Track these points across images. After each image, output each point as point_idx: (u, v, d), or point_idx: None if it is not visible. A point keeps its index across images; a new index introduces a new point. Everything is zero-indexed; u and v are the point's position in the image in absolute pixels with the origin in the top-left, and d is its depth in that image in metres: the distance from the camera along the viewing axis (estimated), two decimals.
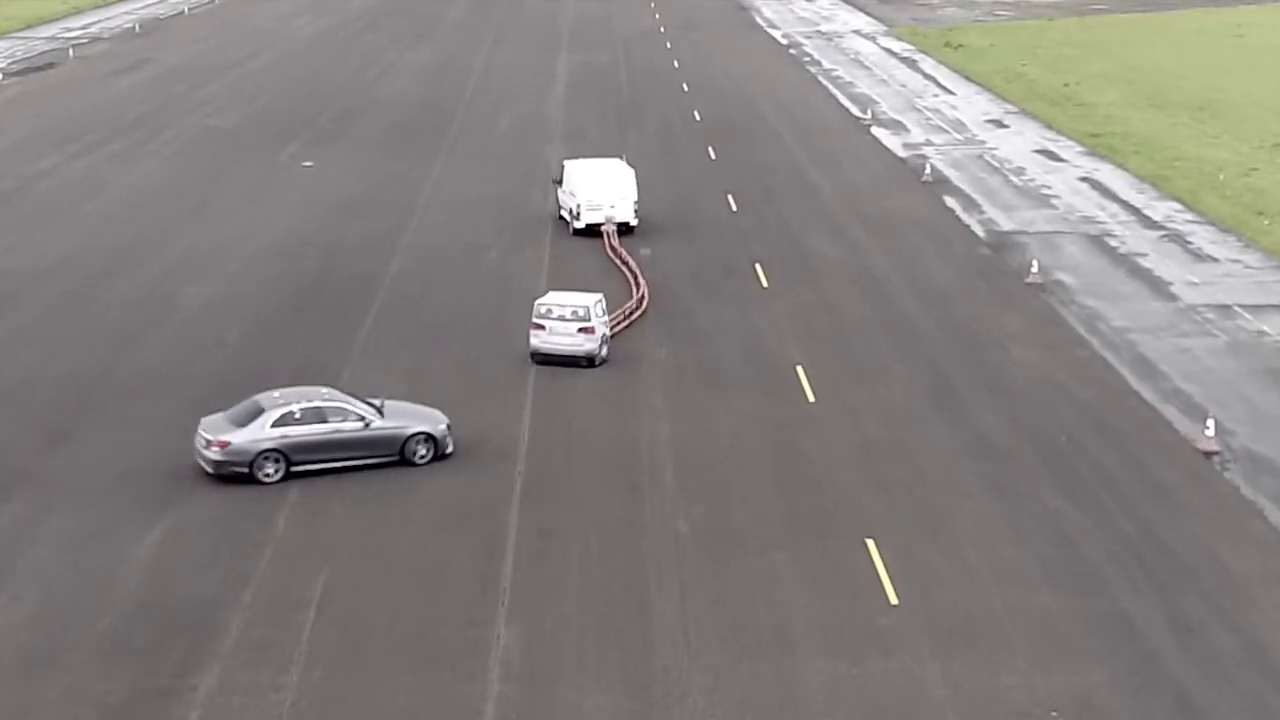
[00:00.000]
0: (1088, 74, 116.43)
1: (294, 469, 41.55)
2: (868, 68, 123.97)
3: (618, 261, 62.80)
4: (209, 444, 41.39)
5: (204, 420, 42.41)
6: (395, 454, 42.44)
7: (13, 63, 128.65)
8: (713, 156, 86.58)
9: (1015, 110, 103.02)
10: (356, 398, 43.52)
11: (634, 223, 67.43)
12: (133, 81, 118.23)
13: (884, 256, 64.79)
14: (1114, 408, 47.66)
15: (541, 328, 49.94)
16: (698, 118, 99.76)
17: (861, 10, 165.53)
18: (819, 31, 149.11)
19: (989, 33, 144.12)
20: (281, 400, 42.36)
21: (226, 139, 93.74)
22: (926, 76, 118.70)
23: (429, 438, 42.71)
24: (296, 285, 60.69)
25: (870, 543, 38.29)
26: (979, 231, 69.38)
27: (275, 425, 41.52)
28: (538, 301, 50.85)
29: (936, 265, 63.46)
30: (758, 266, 62.85)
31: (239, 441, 41.25)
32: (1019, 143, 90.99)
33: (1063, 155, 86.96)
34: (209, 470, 41.56)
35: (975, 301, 58.19)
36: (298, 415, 41.77)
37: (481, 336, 53.72)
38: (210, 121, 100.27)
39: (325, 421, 42.02)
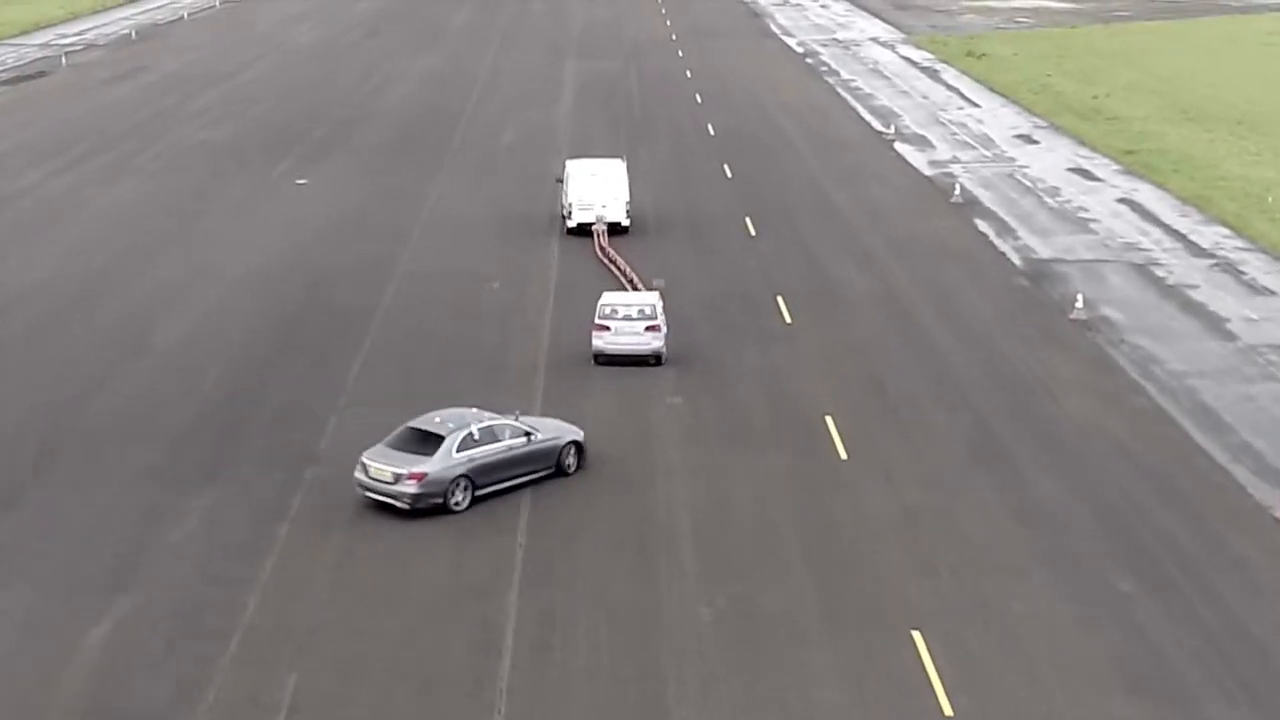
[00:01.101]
0: (1116, 85, 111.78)
1: (477, 493, 39.50)
2: (888, 78, 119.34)
3: (606, 262, 61.77)
4: (399, 478, 38.53)
5: (368, 454, 39.45)
6: (552, 466, 41.04)
7: (3, 70, 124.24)
8: (729, 174, 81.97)
9: (1044, 124, 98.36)
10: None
11: (626, 223, 66.94)
12: (125, 91, 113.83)
13: (915, 287, 60.14)
14: (1179, 467, 43.02)
15: (606, 328, 49.34)
16: (712, 131, 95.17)
17: (878, 17, 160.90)
18: (835, 39, 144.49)
19: (1011, 41, 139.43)
20: (454, 423, 39.92)
21: (218, 153, 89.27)
22: (949, 88, 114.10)
23: (579, 447, 41.69)
24: (281, 318, 56.13)
25: (917, 635, 33.73)
26: (1015, 259, 64.71)
27: (460, 449, 39.18)
28: (601, 303, 49.98)
29: (972, 298, 58.80)
30: (780, 299, 58.25)
31: (434, 471, 38.61)
32: (1051, 160, 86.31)
33: (1098, 174, 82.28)
34: (402, 506, 38.66)
35: (1017, 340, 53.51)
36: (477, 436, 39.63)
37: (481, 383, 49.11)
38: (202, 134, 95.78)
39: (498, 440, 40.02)
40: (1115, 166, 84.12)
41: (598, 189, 67.08)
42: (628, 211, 67.41)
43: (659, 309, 49.81)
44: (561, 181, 69.78)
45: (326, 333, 54.60)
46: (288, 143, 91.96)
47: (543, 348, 52.54)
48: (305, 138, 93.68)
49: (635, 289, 56.55)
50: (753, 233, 69.20)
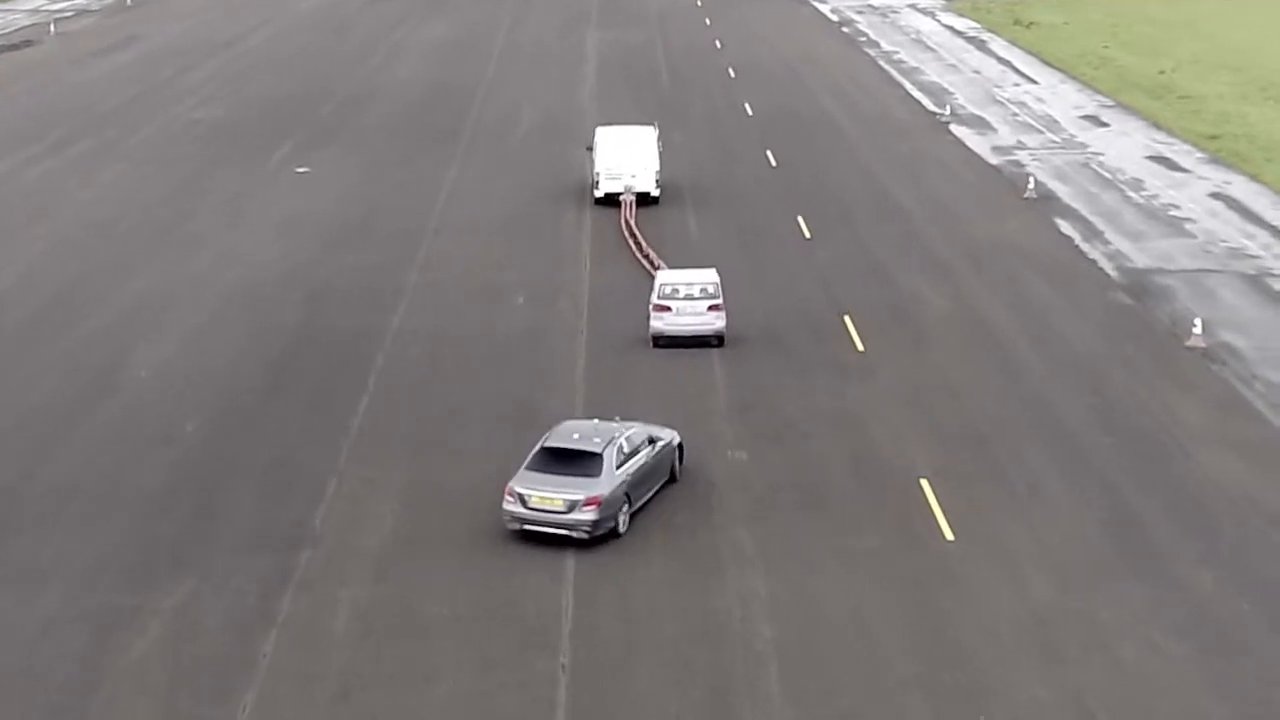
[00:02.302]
0: (1182, 58, 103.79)
1: (633, 510, 35.83)
2: (932, 49, 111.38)
3: (627, 235, 59.32)
4: (574, 505, 34.37)
5: (520, 484, 35.02)
6: (668, 474, 37.73)
7: None
8: (773, 163, 74.14)
9: (1110, 104, 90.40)
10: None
11: (656, 193, 64.79)
12: (114, 64, 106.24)
13: (1000, 305, 52.41)
14: None
15: (667, 309, 47.24)
16: (749, 111, 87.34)
17: None
18: (871, 6, 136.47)
19: (1058, 8, 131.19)
20: (599, 436, 36.02)
21: (211, 136, 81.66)
22: (1001, 61, 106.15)
23: (681, 449, 38.56)
24: (273, 348, 48.52)
25: None
26: (1108, 269, 56.88)
27: (619, 466, 35.46)
28: (660, 282, 47.74)
29: (1068, 319, 51.06)
30: (848, 320, 50.54)
31: (607, 492, 34.73)
32: (1126, 146, 78.36)
33: (1182, 163, 74.35)
34: (580, 536, 34.54)
35: (1130, 376, 45.79)
36: (626, 450, 35.96)
37: (505, 430, 41.59)
38: (196, 114, 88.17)
39: (639, 451, 36.42)
40: (1200, 154, 76.18)
41: (627, 157, 64.69)
42: (658, 181, 64.94)
43: (720, 287, 47.48)
44: (591, 150, 66.57)
45: (326, 364, 47.01)
46: (288, 124, 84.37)
47: (577, 386, 44.95)
48: (307, 118, 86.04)
49: (654, 269, 53.34)
50: (807, 235, 61.49)
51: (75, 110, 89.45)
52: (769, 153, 76.17)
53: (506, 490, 35.00)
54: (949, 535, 35.66)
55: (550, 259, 58.36)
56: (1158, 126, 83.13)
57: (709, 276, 47.93)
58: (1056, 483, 38.50)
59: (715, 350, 47.68)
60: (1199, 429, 41.96)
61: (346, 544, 35.31)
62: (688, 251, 57.88)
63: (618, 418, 38.58)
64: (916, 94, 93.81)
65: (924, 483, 38.29)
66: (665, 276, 48.24)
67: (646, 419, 39.69)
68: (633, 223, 60.57)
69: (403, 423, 42.53)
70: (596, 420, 37.77)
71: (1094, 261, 57.93)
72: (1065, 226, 62.95)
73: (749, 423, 42.39)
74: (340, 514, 36.80)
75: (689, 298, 47.25)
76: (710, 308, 47.26)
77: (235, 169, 73.78)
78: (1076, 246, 60.02)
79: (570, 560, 34.59)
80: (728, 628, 31.94)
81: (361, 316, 51.39)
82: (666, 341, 47.23)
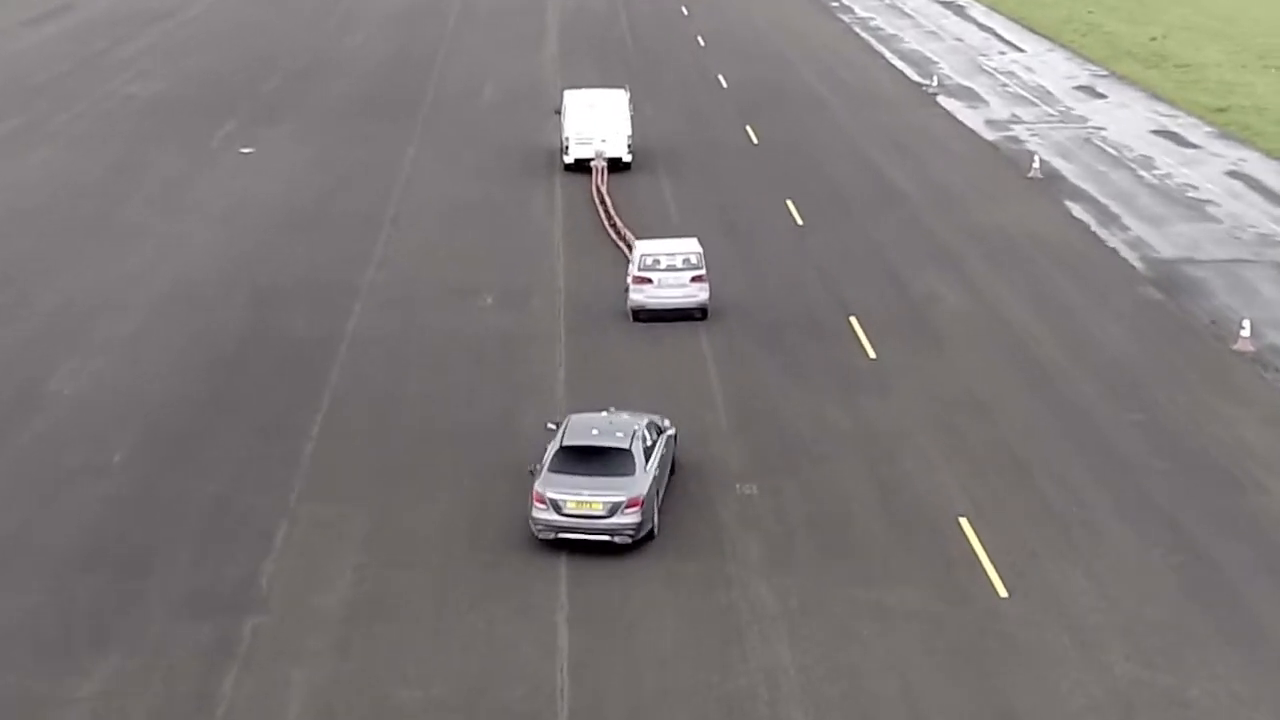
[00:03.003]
0: (1171, 25, 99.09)
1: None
2: (910, 15, 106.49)
3: (598, 203, 56.67)
4: (617, 508, 31.27)
5: (551, 488, 31.61)
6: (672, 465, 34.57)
7: None
8: (755, 140, 68.95)
9: (1104, 73, 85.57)
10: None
11: (628, 159, 62.33)
12: (45, 35, 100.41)
13: (1020, 302, 47.44)
14: None
15: (648, 281, 44.73)
16: (724, 83, 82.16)
17: None
18: None
19: None
20: (620, 431, 32.79)
21: (148, 113, 76.08)
22: (982, 28, 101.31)
23: (674, 437, 35.32)
24: (215, 359, 43.19)
25: None
26: (1132, 259, 51.96)
27: (648, 461, 32.44)
28: (640, 252, 45.33)
29: (1096, 318, 46.12)
30: (854, 321, 45.47)
31: (645, 492, 31.68)
32: (1129, 120, 73.46)
33: (1191, 138, 69.51)
34: (622, 541, 31.48)
35: (1176, 387, 40.87)
36: (649, 442, 32.95)
37: (480, 452, 36.60)
38: (132, 88, 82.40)
39: (654, 444, 33.29)
40: (1207, 128, 71.36)
41: (597, 122, 62.15)
42: (629, 146, 62.47)
43: (703, 258, 45.21)
44: (559, 113, 63.94)
45: (274, 379, 41.72)
46: (231, 99, 78.79)
47: (557, 400, 39.83)
48: (252, 93, 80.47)
49: (624, 243, 51.00)
50: (799, 221, 56.35)
51: (2, 84, 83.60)
52: (749, 129, 71.02)
53: (535, 497, 31.63)
54: (1001, 590, 30.63)
55: (520, 249, 53.20)
56: (1158, 98, 78.30)
57: (691, 246, 45.57)
58: (1114, 521, 33.51)
59: (711, 358, 42.60)
60: (1262, 451, 37.06)
61: (300, 607, 30.16)
62: None
63: (611, 408, 35.32)
64: (898, 63, 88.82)
65: (963, 522, 33.31)
66: (645, 247, 45.78)
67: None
68: (604, 190, 57.62)
69: (362, 448, 37.33)
70: (605, 412, 34.43)
71: (1114, 250, 52.98)
72: (1077, 210, 57.99)
73: (754, 445, 37.31)
74: (292, 569, 31.61)
75: (670, 269, 44.83)
76: (693, 279, 44.80)
77: (174, 150, 68.31)
78: (1093, 233, 55.07)
79: (563, 629, 29.50)
80: (753, 714, 26.83)
81: (313, 320, 46.12)
82: (647, 315, 44.78)
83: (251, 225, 56.27)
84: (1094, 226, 55.82)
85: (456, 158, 66.43)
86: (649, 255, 45.16)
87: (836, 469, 36.05)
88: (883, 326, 45.23)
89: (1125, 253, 52.65)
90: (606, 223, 54.55)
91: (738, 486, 35.18)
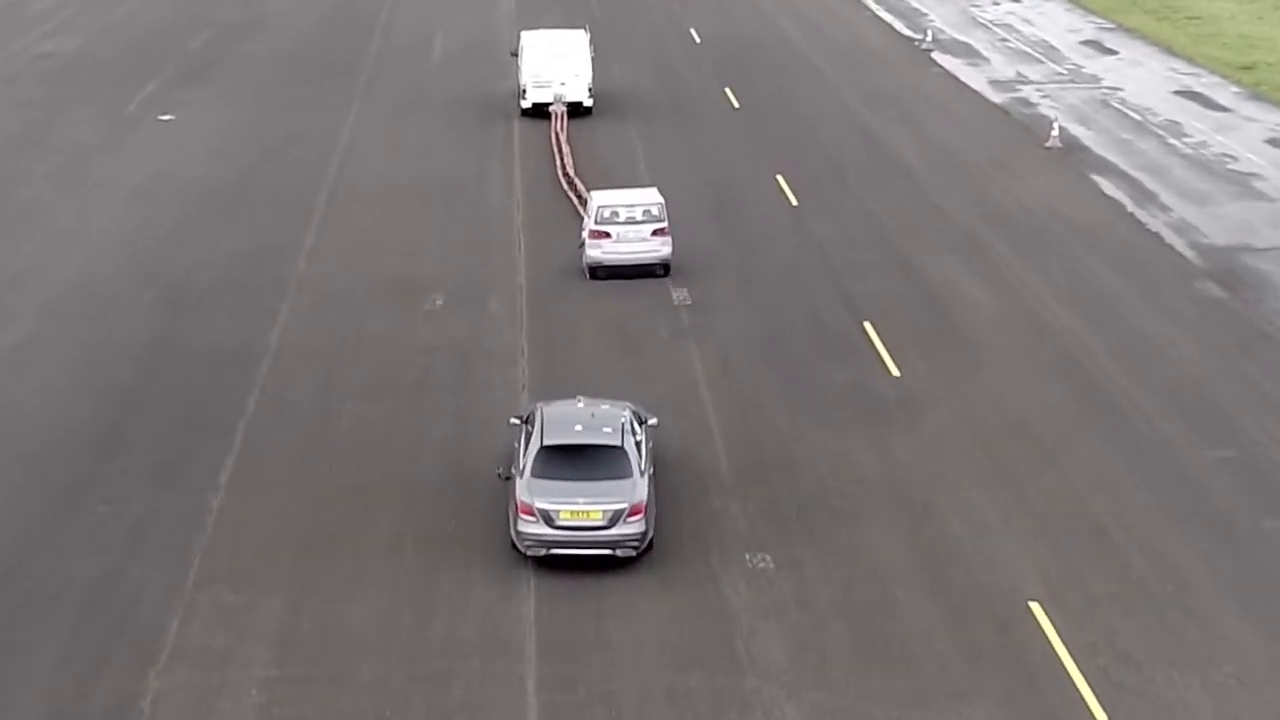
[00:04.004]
0: None
1: None
2: None
3: (554, 149, 53.38)
4: (618, 517, 27.05)
5: (539, 497, 27.13)
6: None
7: None
8: (736, 104, 61.83)
9: (1110, 25, 78.71)
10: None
11: (588, 103, 59.37)
12: None
13: (1060, 301, 40.56)
14: None
15: (606, 235, 41.56)
16: (697, 38, 74.92)
17: None
18: None
19: None
20: (608, 425, 28.49)
21: (61, 75, 68.58)
22: None
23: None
24: (110, 383, 36.00)
25: None
26: (1180, 247, 45.13)
27: (641, 458, 28.22)
28: (597, 204, 41.87)
29: (1154, 323, 39.32)
30: (870, 328, 38.48)
31: (645, 496, 27.54)
32: (1146, 79, 66.58)
33: (1219, 100, 62.69)
34: (625, 554, 27.30)
35: (1268, 415, 34.04)
36: (638, 435, 28.88)
37: (423, 522, 29.57)
38: (44, 46, 74.69)
39: (640, 437, 28.99)
40: (1235, 88, 64.57)
41: (556, 64, 59.29)
42: (590, 90, 59.44)
43: (665, 209, 41.97)
44: (516, 55, 60.71)
45: (180, 410, 34.55)
46: (155, 58, 71.40)
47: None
48: (177, 51, 73.03)
49: (578, 195, 47.70)
50: (793, 201, 49.31)
51: None
52: (728, 90, 63.88)
53: (521, 508, 27.09)
54: (1100, 715, 23.67)
55: (475, 235, 46.24)
56: (1173, 53, 71.44)
57: (652, 196, 42.48)
58: (1225, 605, 26.68)
59: (704, 380, 35.62)
60: None
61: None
62: None
63: (580, 399, 30.05)
64: (886, 15, 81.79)
65: (1035, 608, 26.38)
66: (601, 198, 42.43)
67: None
68: (562, 137, 54.30)
69: (281, 505, 30.25)
70: (579, 401, 29.80)
71: (1158, 236, 46.12)
72: (1107, 186, 51.09)
73: (763, 498, 30.35)
74: (183, 688, 24.52)
75: (630, 221, 41.74)
76: (655, 232, 41.77)
77: (86, 116, 60.96)
78: (1130, 214, 48.20)
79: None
80: None
81: (231, 328, 38.97)
82: (605, 273, 41.64)
83: (166, 207, 49.02)
84: (1130, 206, 48.93)
85: (403, 124, 59.30)
86: (606, 207, 41.66)
87: (868, 532, 29.09)
88: (903, 333, 38.29)
89: (1170, 238, 45.80)
90: (560, 173, 50.77)
91: (747, 558, 28.24)
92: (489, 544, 28.31)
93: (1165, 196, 49.87)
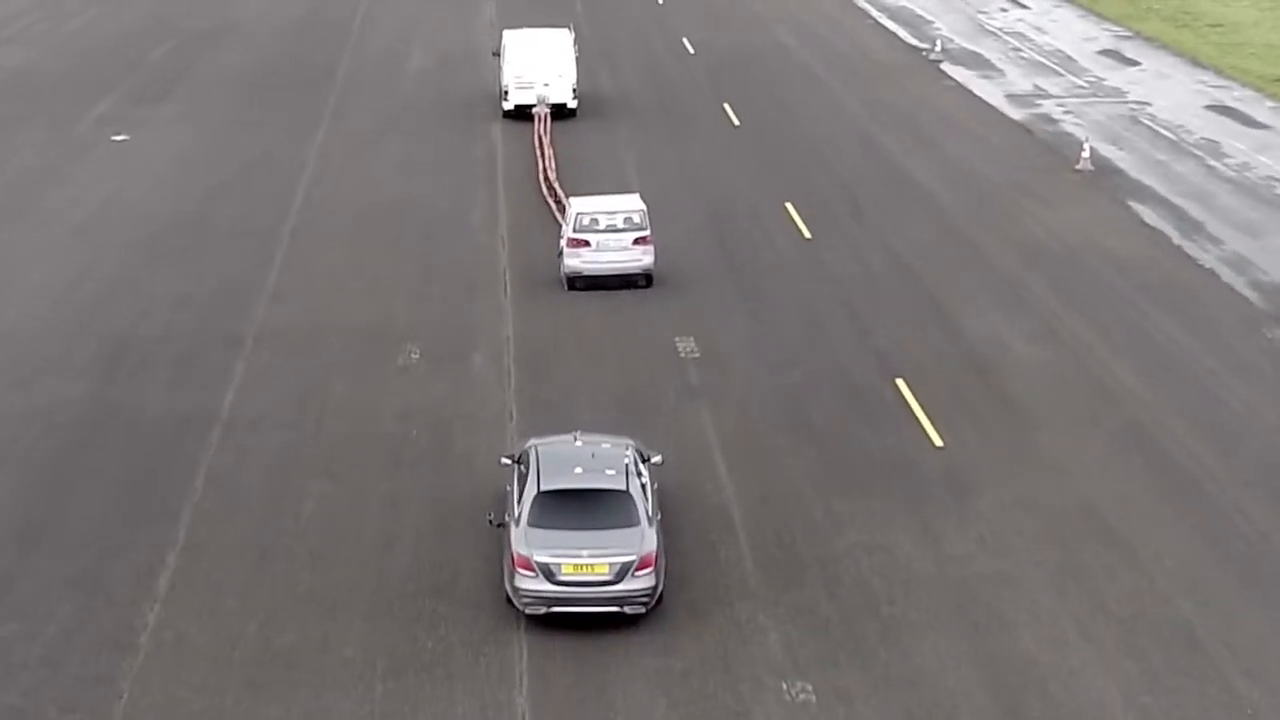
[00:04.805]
0: None
1: None
2: None
3: (537, 153, 51.56)
4: (626, 570, 24.36)
5: (538, 549, 24.42)
6: None
7: None
8: (736, 122, 57.27)
9: (1127, 34, 74.35)
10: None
11: (572, 105, 57.64)
12: None
13: (1116, 355, 36.08)
14: None
15: (585, 244, 39.80)
16: (690, 48, 70.42)
17: None
18: None
19: None
20: (611, 467, 25.78)
21: (12, 89, 63.92)
22: None
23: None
24: (31, 460, 31.16)
25: None
26: (1239, 286, 40.74)
27: (648, 502, 25.48)
28: (576, 211, 40.11)
29: (1228, 383, 34.84)
30: (903, 386, 33.92)
31: (655, 545, 24.83)
32: (1175, 93, 62.18)
33: (1256, 116, 58.39)
34: (635, 611, 24.62)
35: None
36: (643, 477, 26.05)
37: (398, 617, 25.04)
38: None
39: (647, 477, 26.25)
40: (1270, 102, 60.35)
41: (539, 64, 57.54)
42: (574, 91, 57.75)
43: (647, 216, 40.24)
44: (498, 55, 59.09)
45: (114, 493, 29.89)
46: (112, 72, 66.80)
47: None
48: (137, 64, 68.44)
49: (558, 200, 45.58)
50: (806, 234, 44.73)
51: None
52: (727, 106, 59.32)
53: (518, 561, 24.52)
54: None
55: (456, 275, 41.58)
56: (1199, 64, 67.07)
57: (633, 204, 40.64)
58: None
59: (720, 453, 31.03)
60: None
61: None
62: (660, 287, 41.00)
63: (577, 435, 27.34)
64: (888, 23, 77.39)
65: None
66: (581, 205, 40.67)
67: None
68: (546, 140, 52.54)
69: (230, 616, 25.55)
70: (577, 438, 27.08)
71: (1213, 274, 41.63)
72: (1148, 214, 46.62)
73: (798, 607, 25.78)
74: None
75: (610, 229, 39.93)
76: (636, 241, 39.99)
77: (32, 137, 56.36)
78: (1178, 248, 43.72)
79: None
80: None
81: (178, 390, 34.29)
82: (585, 283, 39.92)
83: (113, 241, 44.39)
84: (1176, 238, 44.46)
85: (376, 145, 54.70)
86: (586, 214, 39.90)
87: (925, 649, 24.52)
88: (941, 393, 33.73)
89: (1228, 276, 41.31)
90: (542, 178, 48.75)
91: (784, 687, 23.61)
92: (473, 666, 23.74)
93: (1213, 226, 45.41)
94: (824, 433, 32.06)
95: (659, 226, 42.49)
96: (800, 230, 45.03)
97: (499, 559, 26.39)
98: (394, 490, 29.72)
